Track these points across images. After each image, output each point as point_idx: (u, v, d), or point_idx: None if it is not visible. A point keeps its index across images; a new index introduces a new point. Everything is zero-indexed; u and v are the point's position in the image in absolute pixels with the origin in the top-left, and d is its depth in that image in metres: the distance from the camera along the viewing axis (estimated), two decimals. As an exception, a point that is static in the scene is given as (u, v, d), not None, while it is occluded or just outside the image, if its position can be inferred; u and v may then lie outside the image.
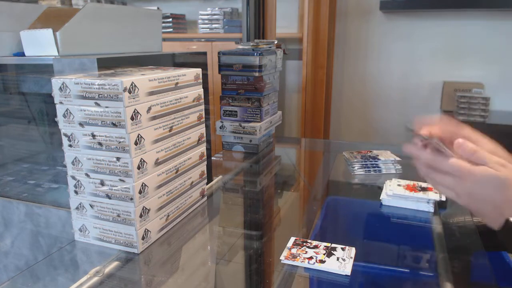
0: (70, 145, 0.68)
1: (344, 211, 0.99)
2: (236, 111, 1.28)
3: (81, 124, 0.66)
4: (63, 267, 0.69)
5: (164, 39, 1.20)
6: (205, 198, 0.91)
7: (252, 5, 1.87)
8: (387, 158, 1.13)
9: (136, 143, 0.65)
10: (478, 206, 0.56)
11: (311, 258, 0.67)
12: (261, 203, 0.99)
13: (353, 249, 0.69)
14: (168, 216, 0.77)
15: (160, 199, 0.73)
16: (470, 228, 0.79)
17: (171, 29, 2.92)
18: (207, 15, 2.86)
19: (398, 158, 1.13)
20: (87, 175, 0.68)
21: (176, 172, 0.77)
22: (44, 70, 0.94)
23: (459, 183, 0.55)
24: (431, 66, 2.54)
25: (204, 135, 0.87)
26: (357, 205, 0.99)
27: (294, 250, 0.70)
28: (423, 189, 0.90)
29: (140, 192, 0.67)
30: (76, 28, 0.88)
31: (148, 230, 0.71)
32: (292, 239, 0.73)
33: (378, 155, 1.16)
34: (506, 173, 0.52)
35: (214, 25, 2.86)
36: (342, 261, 0.66)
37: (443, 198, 0.87)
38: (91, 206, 0.70)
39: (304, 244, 0.72)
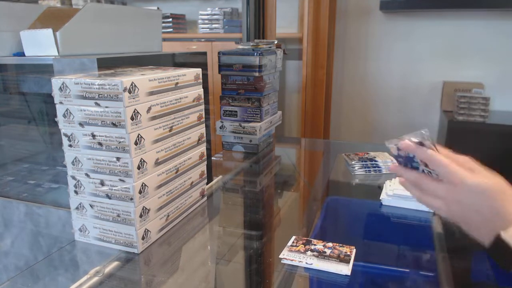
0: (70, 145, 0.68)
1: (344, 211, 0.99)
2: (236, 111, 1.28)
3: (81, 124, 0.66)
4: (63, 267, 0.69)
5: (164, 39, 1.20)
6: (205, 198, 0.91)
7: (252, 5, 1.87)
8: (384, 160, 1.13)
9: (136, 143, 0.65)
10: (467, 219, 0.53)
11: (311, 258, 0.67)
12: (261, 203, 0.99)
13: (353, 249, 0.69)
14: (168, 216, 0.77)
15: (160, 199, 0.73)
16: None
17: (171, 29, 2.92)
18: (207, 15, 2.87)
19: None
20: (87, 175, 0.68)
21: (176, 172, 0.77)
22: (44, 70, 0.94)
23: (449, 191, 0.53)
24: (431, 66, 2.54)
25: (204, 135, 0.87)
26: (357, 205, 0.99)
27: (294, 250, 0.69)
28: (423, 189, 0.90)
29: (140, 192, 0.67)
30: (76, 28, 0.88)
31: (148, 230, 0.71)
32: (292, 239, 0.73)
33: (375, 157, 1.16)
34: (490, 182, 0.51)
35: (214, 25, 2.86)
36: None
37: None
38: (91, 206, 0.70)
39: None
